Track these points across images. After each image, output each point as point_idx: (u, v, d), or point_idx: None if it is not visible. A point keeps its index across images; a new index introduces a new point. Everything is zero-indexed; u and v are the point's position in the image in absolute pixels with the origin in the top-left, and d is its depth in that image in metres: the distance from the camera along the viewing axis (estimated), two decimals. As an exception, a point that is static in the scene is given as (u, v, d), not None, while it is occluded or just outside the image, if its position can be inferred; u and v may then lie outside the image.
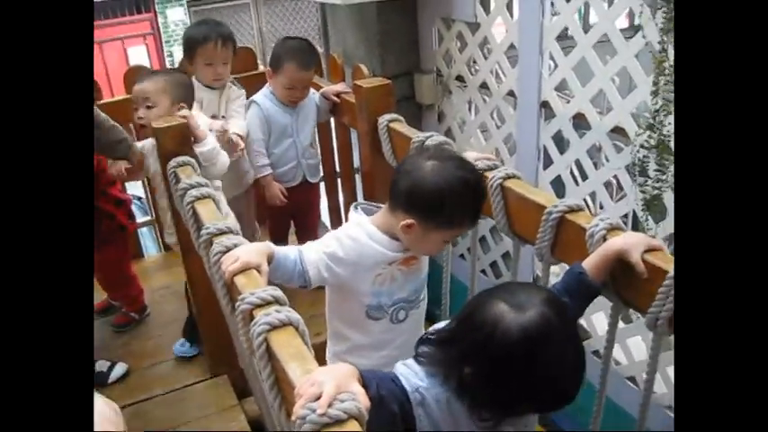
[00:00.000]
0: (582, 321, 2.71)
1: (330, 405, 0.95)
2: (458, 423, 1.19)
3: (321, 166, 3.12)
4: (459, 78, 3.06)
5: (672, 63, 1.83)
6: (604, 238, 1.42)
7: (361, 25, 3.27)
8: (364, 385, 1.05)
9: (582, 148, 2.44)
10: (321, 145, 3.24)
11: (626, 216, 2.40)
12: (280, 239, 2.95)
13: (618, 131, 2.26)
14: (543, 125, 2.62)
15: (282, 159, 2.76)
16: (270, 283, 1.36)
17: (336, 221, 3.44)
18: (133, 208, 2.86)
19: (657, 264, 1.31)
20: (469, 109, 3.12)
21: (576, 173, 2.71)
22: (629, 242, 1.35)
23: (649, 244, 1.34)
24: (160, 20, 10.83)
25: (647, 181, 1.99)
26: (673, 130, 1.92)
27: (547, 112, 2.60)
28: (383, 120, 2.27)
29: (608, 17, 2.19)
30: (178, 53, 10.51)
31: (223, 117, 2.63)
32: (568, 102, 2.47)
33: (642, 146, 1.98)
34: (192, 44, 2.56)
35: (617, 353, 2.42)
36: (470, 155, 1.76)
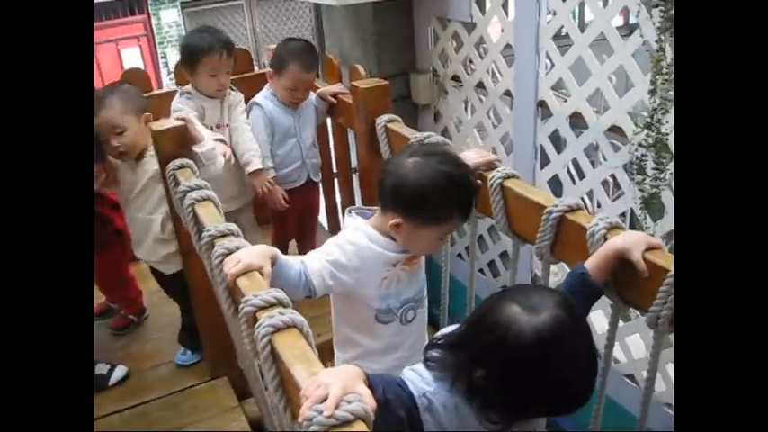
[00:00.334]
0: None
1: (337, 406, 0.95)
2: (465, 427, 1.18)
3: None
4: (456, 78, 3.07)
5: (669, 62, 1.84)
6: (605, 238, 1.42)
7: (356, 26, 3.27)
8: (370, 387, 1.05)
9: (579, 147, 2.45)
10: (318, 146, 3.24)
11: (623, 215, 2.41)
12: (286, 242, 2.97)
13: (615, 130, 2.27)
14: (540, 124, 2.62)
15: (287, 160, 2.74)
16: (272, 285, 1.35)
17: (333, 223, 3.44)
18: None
19: (658, 262, 1.32)
20: (466, 109, 3.13)
21: (574, 172, 2.72)
22: (630, 241, 1.35)
23: (649, 242, 1.35)
24: (154, 21, 10.83)
25: (644, 179, 2.00)
26: (671, 129, 1.93)
27: (544, 112, 2.60)
28: (381, 120, 2.28)
29: (604, 16, 2.19)
30: (172, 55, 10.52)
31: (227, 126, 2.59)
32: (565, 101, 2.48)
33: (640, 144, 1.98)
34: (194, 54, 2.47)
35: (616, 351, 2.43)
36: (470, 155, 1.76)
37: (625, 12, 3.66)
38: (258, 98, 2.70)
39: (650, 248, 1.34)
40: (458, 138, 3.17)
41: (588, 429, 1.73)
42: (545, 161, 2.66)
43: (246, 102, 2.72)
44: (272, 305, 1.23)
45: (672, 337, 1.44)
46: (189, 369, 2.55)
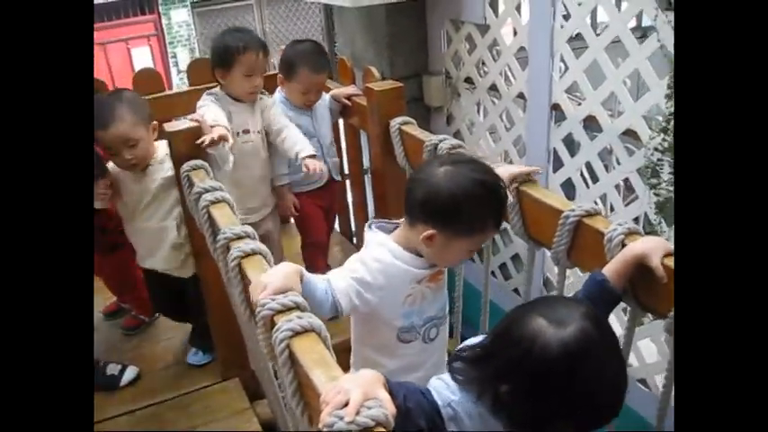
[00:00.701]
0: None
1: (357, 412, 0.94)
2: None
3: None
4: (468, 80, 3.07)
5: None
6: (623, 243, 1.42)
7: (369, 27, 3.27)
8: (390, 393, 1.04)
9: (593, 150, 2.44)
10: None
11: (637, 219, 2.40)
12: (323, 245, 2.93)
13: (630, 134, 2.27)
14: (553, 128, 2.62)
15: None
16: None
17: (345, 224, 3.44)
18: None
19: (677, 268, 1.31)
20: (478, 111, 3.13)
21: (587, 176, 2.71)
22: (649, 247, 1.34)
23: (668, 248, 1.34)
24: (164, 21, 10.86)
25: (660, 184, 1.98)
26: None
27: (557, 115, 2.60)
28: (395, 123, 2.27)
29: (620, 19, 2.18)
30: (182, 54, 10.56)
31: (258, 132, 2.50)
32: (579, 104, 2.47)
33: (656, 149, 1.97)
34: (230, 54, 2.36)
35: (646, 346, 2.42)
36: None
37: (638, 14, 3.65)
38: None
39: (668, 254, 1.33)
40: (470, 140, 3.16)
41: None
42: (558, 164, 2.65)
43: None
44: (289, 309, 1.23)
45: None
46: (200, 370, 2.55)
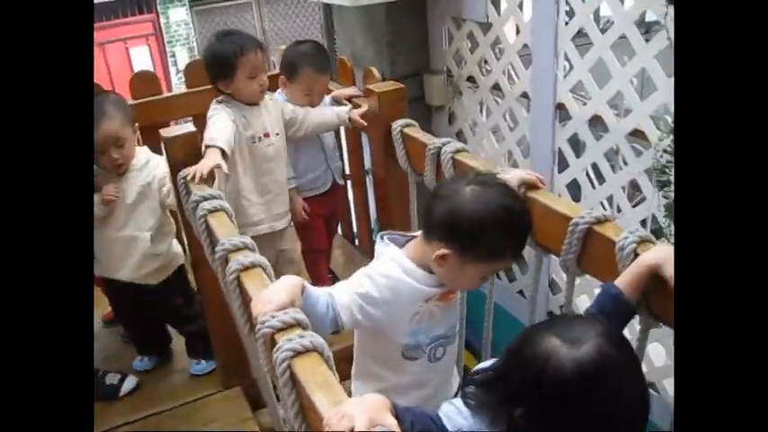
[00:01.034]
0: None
1: None
2: None
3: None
4: (471, 79, 3.01)
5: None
6: (635, 252, 1.37)
7: (369, 26, 3.22)
8: (397, 419, 1.00)
9: (599, 151, 2.39)
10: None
11: (644, 221, 2.35)
12: (324, 251, 2.89)
13: (637, 134, 2.22)
14: (558, 128, 2.57)
15: (312, 165, 2.67)
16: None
17: (346, 226, 3.40)
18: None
19: (693, 279, 1.26)
20: (481, 110, 3.07)
21: (593, 176, 2.65)
22: (662, 256, 1.29)
23: None
24: (162, 20, 10.80)
25: (669, 186, 1.93)
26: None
27: (562, 114, 2.54)
28: (397, 125, 2.22)
29: (625, 16, 2.13)
30: (180, 53, 10.50)
31: (277, 134, 2.41)
32: (585, 104, 2.42)
33: (665, 151, 1.92)
34: (228, 59, 2.26)
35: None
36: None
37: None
38: None
39: (684, 264, 1.28)
40: (473, 140, 3.11)
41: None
42: (563, 165, 2.60)
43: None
44: (290, 326, 1.18)
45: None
46: (201, 379, 2.50)
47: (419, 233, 1.47)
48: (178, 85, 9.70)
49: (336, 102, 2.71)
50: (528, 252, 1.86)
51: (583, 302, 2.62)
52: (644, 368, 2.29)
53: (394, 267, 1.43)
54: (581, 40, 2.42)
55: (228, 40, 2.29)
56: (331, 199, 2.80)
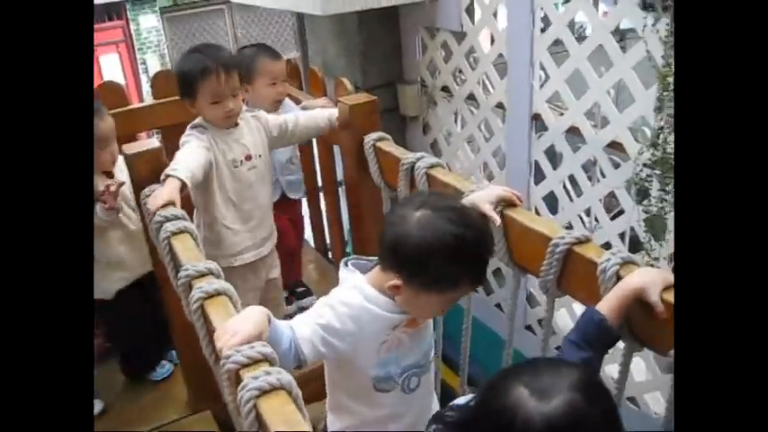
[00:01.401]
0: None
1: None
2: None
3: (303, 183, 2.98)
4: (445, 89, 2.96)
5: (676, 78, 1.74)
6: (617, 275, 1.31)
7: (341, 35, 3.16)
8: None
9: (576, 162, 2.35)
10: (302, 161, 3.12)
11: (623, 234, 2.31)
12: (294, 253, 2.85)
13: (615, 146, 2.18)
14: (534, 139, 2.52)
15: None
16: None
17: (320, 239, 3.33)
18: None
19: (677, 303, 1.21)
20: (456, 121, 3.02)
21: (570, 188, 2.61)
22: (647, 280, 1.24)
23: (667, 281, 1.23)
24: (132, 27, 10.63)
25: (650, 200, 1.89)
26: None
27: (538, 125, 2.50)
28: (369, 139, 2.15)
29: (603, 27, 2.09)
30: (151, 61, 10.35)
31: (260, 156, 2.21)
32: (561, 114, 2.38)
33: (645, 165, 1.88)
34: (188, 81, 2.07)
35: (613, 371, 2.34)
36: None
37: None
38: None
39: (668, 288, 1.23)
40: (448, 151, 3.06)
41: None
42: (540, 177, 2.56)
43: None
44: (256, 362, 1.11)
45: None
46: (170, 402, 2.41)
47: None
48: (149, 93, 9.56)
49: None
50: (506, 270, 1.82)
51: (562, 317, 2.58)
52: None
53: (355, 295, 1.37)
54: (556, 48, 2.38)
55: (192, 59, 2.09)
56: (290, 207, 2.74)
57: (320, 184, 3.20)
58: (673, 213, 1.92)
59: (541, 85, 2.42)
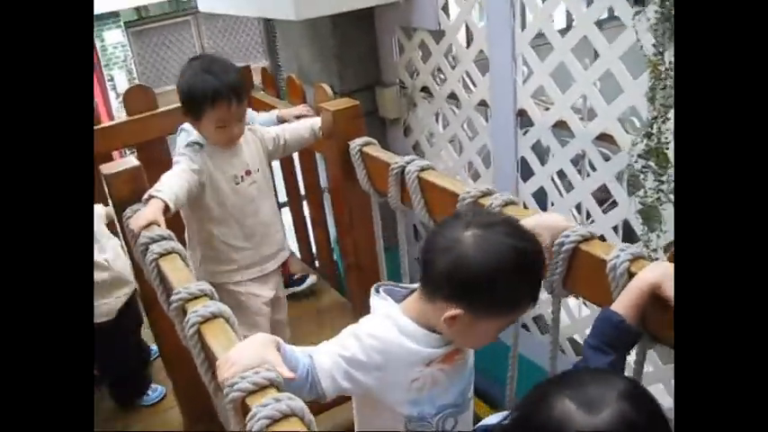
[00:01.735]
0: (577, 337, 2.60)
1: None
2: None
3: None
4: (425, 90, 2.91)
5: (669, 66, 1.70)
6: (628, 271, 1.27)
7: (314, 39, 3.09)
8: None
9: (565, 157, 2.31)
10: (283, 168, 3.06)
11: (616, 227, 2.28)
12: None
13: (604, 138, 2.14)
14: (520, 135, 2.48)
15: None
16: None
17: (305, 248, 3.26)
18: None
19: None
20: (437, 121, 2.97)
21: (559, 183, 2.57)
22: (659, 274, 1.19)
23: None
24: (97, 43, 10.45)
25: (645, 191, 1.85)
26: (671, 138, 1.79)
27: (524, 121, 2.46)
28: (355, 144, 2.10)
29: (588, 18, 2.05)
30: (119, 77, 10.20)
31: (258, 171, 2.17)
32: (547, 109, 2.34)
33: (640, 156, 1.84)
34: (196, 102, 1.99)
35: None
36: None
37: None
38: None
39: (682, 280, 1.19)
40: (431, 152, 3.01)
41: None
42: (528, 173, 2.52)
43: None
44: (263, 388, 1.05)
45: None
46: (165, 426, 2.33)
47: (417, 285, 1.32)
48: (119, 110, 9.40)
49: (283, 122, 2.56)
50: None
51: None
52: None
53: (388, 327, 1.26)
54: (536, 41, 2.34)
55: (203, 81, 1.98)
56: None
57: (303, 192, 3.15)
58: (668, 204, 1.89)
59: (524, 81, 2.38)
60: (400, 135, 3.14)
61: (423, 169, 1.82)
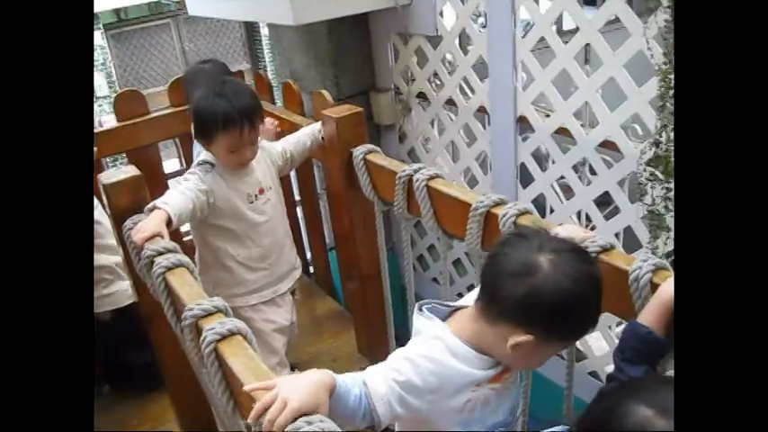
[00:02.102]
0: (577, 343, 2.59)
1: None
2: None
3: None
4: (421, 95, 2.89)
5: (678, 74, 1.69)
6: (651, 282, 1.26)
7: (309, 45, 3.06)
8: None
9: (566, 164, 2.30)
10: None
11: (617, 235, 2.27)
12: None
13: (606, 145, 2.13)
14: (520, 141, 2.47)
15: None
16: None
17: (300, 258, 3.21)
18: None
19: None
20: (433, 127, 2.95)
21: (559, 190, 2.56)
22: None
23: None
24: (75, 46, 10.28)
25: (653, 199, 1.85)
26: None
27: (523, 128, 2.45)
28: (358, 152, 2.07)
29: (590, 26, 2.04)
30: (99, 80, 10.04)
31: (271, 188, 2.14)
32: (548, 116, 2.33)
33: (648, 164, 1.83)
34: (208, 126, 1.94)
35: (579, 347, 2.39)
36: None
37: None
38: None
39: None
40: (426, 158, 2.99)
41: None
42: (527, 179, 2.51)
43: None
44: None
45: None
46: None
47: (463, 303, 1.29)
48: (98, 113, 9.27)
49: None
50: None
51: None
52: (586, 356, 2.34)
53: (440, 348, 1.22)
54: (537, 46, 2.32)
55: (215, 105, 1.92)
56: None
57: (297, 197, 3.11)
58: (671, 212, 1.89)
59: (524, 87, 2.37)
60: (395, 141, 3.12)
61: (431, 178, 1.80)
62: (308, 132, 2.25)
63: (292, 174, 3.00)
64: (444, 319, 1.29)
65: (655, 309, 1.19)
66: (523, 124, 2.42)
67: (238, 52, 10.22)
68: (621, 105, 2.01)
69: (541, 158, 2.50)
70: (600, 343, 2.37)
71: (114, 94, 4.59)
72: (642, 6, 1.79)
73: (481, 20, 2.60)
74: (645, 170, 1.84)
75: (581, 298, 1.14)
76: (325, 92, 2.45)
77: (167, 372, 2.06)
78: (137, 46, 10.30)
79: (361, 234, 2.24)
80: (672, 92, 1.69)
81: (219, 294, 2.00)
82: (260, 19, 2.87)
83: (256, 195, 2.08)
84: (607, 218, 2.27)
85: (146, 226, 1.69)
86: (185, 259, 1.55)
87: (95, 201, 2.18)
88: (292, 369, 2.40)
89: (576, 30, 2.13)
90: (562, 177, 2.36)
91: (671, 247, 1.97)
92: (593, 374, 2.40)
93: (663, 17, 1.68)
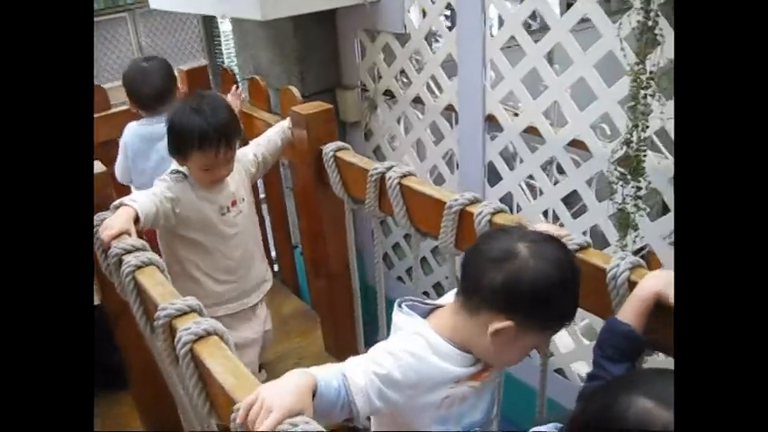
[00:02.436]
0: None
1: None
2: None
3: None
4: (388, 93, 2.88)
5: (649, 74, 1.71)
6: (629, 280, 1.27)
7: (275, 41, 3.02)
8: None
9: (534, 163, 2.31)
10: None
11: (585, 232, 2.29)
12: None
13: (575, 144, 2.15)
14: (488, 140, 2.47)
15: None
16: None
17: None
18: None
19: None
20: (400, 125, 2.94)
21: (526, 189, 2.57)
22: (663, 282, 1.19)
23: None
24: (27, 39, 10.01)
25: (624, 197, 1.87)
26: (648, 145, 1.82)
27: (492, 126, 2.45)
28: (328, 149, 2.05)
29: (562, 26, 2.05)
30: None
31: (243, 200, 2.10)
32: (516, 115, 2.34)
33: (617, 162, 1.86)
34: (183, 143, 1.89)
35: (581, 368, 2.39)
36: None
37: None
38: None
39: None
40: (393, 156, 2.98)
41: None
42: (495, 178, 2.51)
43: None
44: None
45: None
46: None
47: (442, 301, 1.29)
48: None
49: None
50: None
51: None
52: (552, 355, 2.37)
53: (421, 344, 1.22)
54: (506, 44, 2.33)
55: (192, 122, 1.86)
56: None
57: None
58: (643, 211, 1.91)
59: (493, 86, 2.37)
60: (360, 138, 3.10)
61: (404, 176, 1.79)
62: (278, 131, 2.22)
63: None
64: (424, 316, 1.29)
65: (634, 307, 1.20)
66: (492, 123, 2.43)
67: (196, 48, 10.05)
68: (591, 105, 2.04)
69: (509, 157, 2.51)
70: (565, 339, 2.40)
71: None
72: (619, 6, 1.81)
73: (443, 19, 2.58)
74: (616, 169, 1.86)
75: (560, 283, 1.16)
76: (293, 88, 2.42)
77: (132, 373, 2.01)
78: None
79: (330, 232, 2.22)
80: (644, 92, 1.70)
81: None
82: (226, 13, 2.82)
83: (228, 207, 2.04)
84: (575, 216, 2.29)
85: (113, 223, 1.65)
86: (155, 257, 1.51)
87: None
88: (260, 370, 2.37)
89: (543, 29, 2.14)
90: (530, 177, 2.38)
91: (639, 245, 1.99)
92: (560, 372, 2.42)
93: (636, 18, 1.70)
